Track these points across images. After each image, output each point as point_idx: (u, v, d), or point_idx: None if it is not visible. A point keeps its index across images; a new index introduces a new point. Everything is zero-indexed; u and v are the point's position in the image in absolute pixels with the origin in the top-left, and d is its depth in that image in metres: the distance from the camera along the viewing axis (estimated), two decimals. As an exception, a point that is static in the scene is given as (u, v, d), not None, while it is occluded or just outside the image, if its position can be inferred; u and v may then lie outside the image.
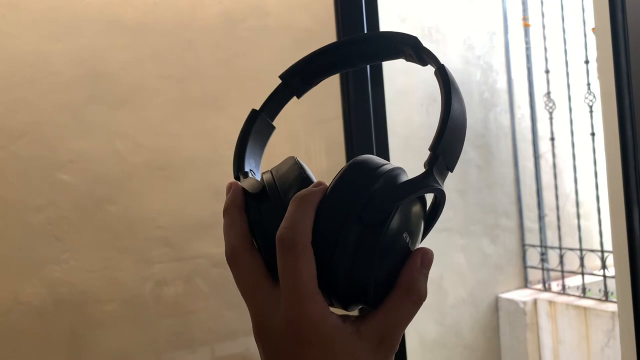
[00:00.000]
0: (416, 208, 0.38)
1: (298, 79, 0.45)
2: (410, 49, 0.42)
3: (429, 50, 0.42)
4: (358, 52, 0.45)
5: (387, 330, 0.36)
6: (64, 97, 0.99)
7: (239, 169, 0.41)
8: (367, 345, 0.36)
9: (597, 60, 1.30)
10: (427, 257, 0.38)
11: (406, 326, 0.37)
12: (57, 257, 0.97)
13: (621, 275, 1.17)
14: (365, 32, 0.43)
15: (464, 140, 0.41)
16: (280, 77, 0.45)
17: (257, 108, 0.45)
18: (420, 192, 0.37)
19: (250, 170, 0.43)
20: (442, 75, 0.40)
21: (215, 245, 1.04)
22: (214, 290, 1.06)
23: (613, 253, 1.25)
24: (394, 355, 0.37)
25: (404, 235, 0.37)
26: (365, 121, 0.97)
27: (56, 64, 0.99)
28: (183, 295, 1.05)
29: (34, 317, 0.95)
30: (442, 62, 0.41)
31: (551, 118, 2.84)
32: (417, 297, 0.37)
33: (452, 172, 0.40)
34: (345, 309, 0.37)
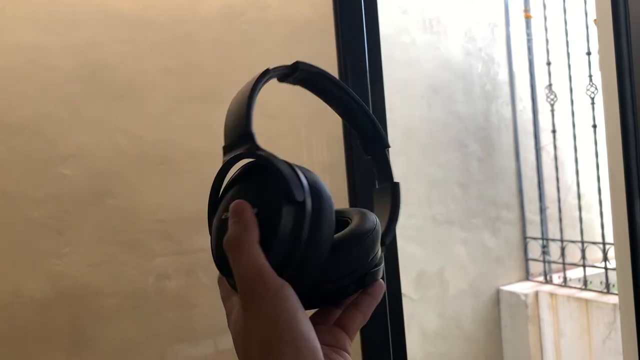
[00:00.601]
0: (236, 190, 0.42)
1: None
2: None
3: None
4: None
5: (238, 285, 0.38)
6: (63, 91, 0.99)
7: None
8: (240, 310, 0.39)
9: (599, 52, 1.29)
10: (231, 207, 0.39)
11: (240, 272, 0.38)
12: (59, 251, 0.97)
13: (622, 267, 1.17)
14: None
15: (238, 110, 0.42)
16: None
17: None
18: (219, 176, 0.43)
19: None
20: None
21: (216, 238, 1.04)
22: (215, 284, 1.06)
23: (614, 245, 1.25)
24: (261, 300, 0.37)
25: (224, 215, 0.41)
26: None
27: (55, 58, 0.99)
28: (185, 288, 1.05)
29: (35, 311, 0.95)
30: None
31: (552, 110, 2.83)
32: (227, 244, 0.38)
33: (249, 131, 0.40)
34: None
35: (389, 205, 0.50)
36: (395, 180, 0.51)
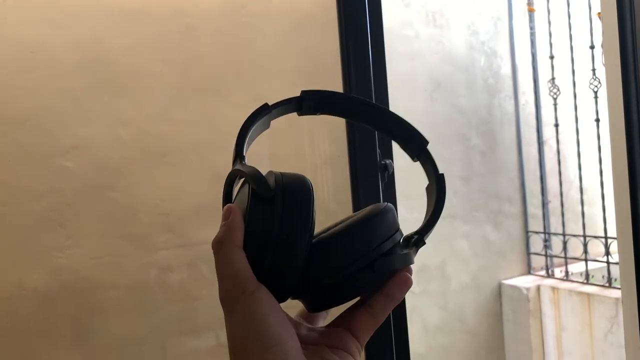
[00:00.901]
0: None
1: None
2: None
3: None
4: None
5: (218, 285, 0.41)
6: (64, 84, 0.99)
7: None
8: None
9: (603, 45, 1.29)
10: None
11: (219, 273, 0.40)
12: (61, 244, 0.97)
13: (625, 261, 1.17)
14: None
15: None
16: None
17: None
18: (223, 199, 0.45)
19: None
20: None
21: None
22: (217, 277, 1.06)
23: (617, 239, 1.25)
24: (235, 302, 0.39)
25: None
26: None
27: (57, 51, 0.98)
28: (187, 281, 1.05)
29: (38, 303, 0.95)
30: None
31: (555, 104, 2.82)
32: (212, 245, 0.41)
33: (237, 155, 0.44)
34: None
35: (434, 199, 0.49)
36: (440, 172, 0.49)
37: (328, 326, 0.44)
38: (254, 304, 0.38)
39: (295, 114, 0.49)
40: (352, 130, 0.98)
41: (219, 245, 0.40)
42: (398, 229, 0.44)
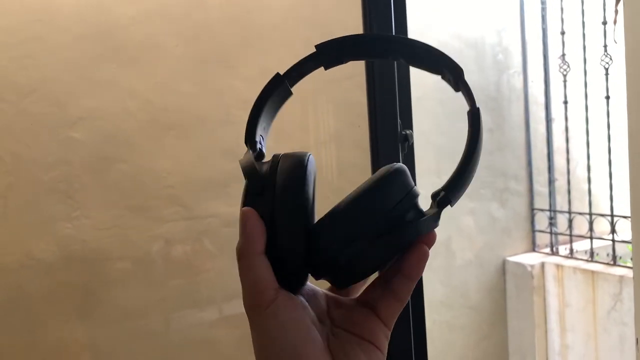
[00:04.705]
0: None
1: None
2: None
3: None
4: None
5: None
6: (72, 54, 0.97)
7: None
8: None
9: (624, 17, 1.25)
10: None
11: (241, 283, 0.39)
12: (69, 215, 0.96)
13: (638, 239, 1.15)
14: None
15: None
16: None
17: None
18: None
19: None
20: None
21: (225, 204, 1.03)
22: (222, 250, 1.06)
23: (631, 217, 1.23)
24: (254, 315, 0.38)
25: None
26: (388, 81, 0.95)
27: (64, 20, 0.97)
28: (192, 254, 1.05)
29: (46, 274, 0.95)
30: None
31: (565, 81, 2.79)
32: (236, 252, 0.39)
33: (247, 141, 0.43)
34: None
35: (465, 147, 0.41)
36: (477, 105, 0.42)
37: (358, 300, 0.43)
38: (271, 318, 0.37)
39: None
40: (373, 99, 0.95)
41: (240, 256, 0.38)
42: (411, 190, 0.40)
